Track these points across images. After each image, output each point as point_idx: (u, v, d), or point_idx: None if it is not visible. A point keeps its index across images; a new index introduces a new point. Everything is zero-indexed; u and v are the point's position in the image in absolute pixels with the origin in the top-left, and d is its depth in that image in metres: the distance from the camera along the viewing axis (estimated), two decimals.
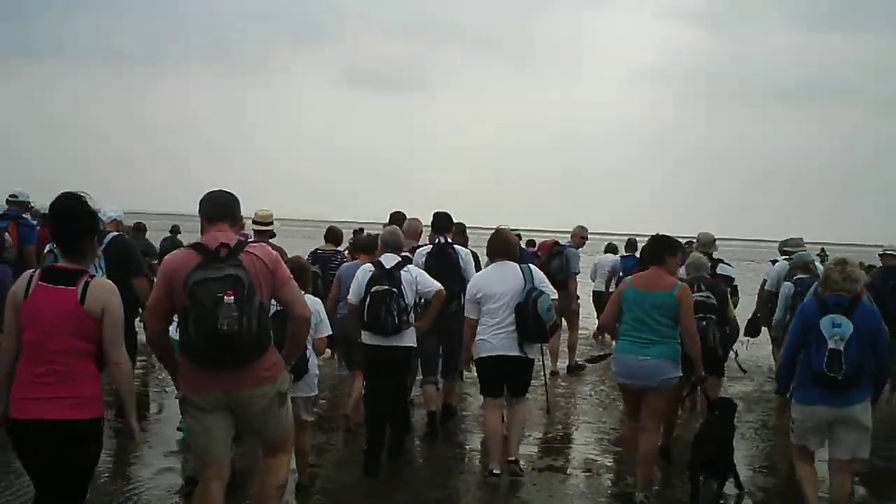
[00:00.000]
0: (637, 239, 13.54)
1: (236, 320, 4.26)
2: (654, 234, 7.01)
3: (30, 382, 4.21)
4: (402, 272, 6.97)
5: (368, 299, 6.83)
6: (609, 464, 7.69)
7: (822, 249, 21.83)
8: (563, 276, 10.98)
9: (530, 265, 7.18)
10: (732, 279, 9.77)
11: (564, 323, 11.84)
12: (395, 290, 6.81)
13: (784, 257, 10.28)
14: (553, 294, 6.97)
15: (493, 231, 7.22)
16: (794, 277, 9.03)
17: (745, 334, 10.57)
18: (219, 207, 4.73)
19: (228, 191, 4.86)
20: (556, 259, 11.25)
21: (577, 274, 11.59)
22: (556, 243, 11.73)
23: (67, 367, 4.20)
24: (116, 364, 4.32)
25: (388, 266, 7.00)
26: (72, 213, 4.32)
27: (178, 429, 7.45)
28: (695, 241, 10.57)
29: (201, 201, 4.75)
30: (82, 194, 4.37)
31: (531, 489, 6.81)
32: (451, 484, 6.96)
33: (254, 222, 8.30)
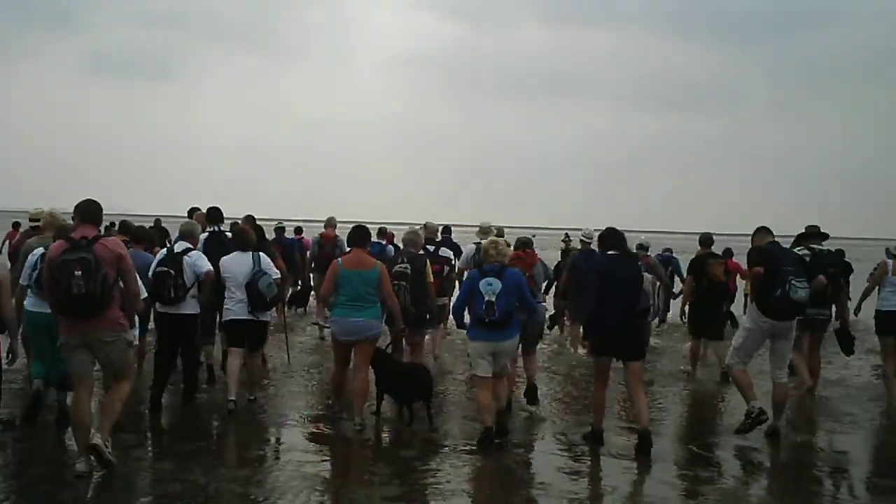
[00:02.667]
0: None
1: (83, 287, 6.57)
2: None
3: None
4: (185, 257, 9.20)
5: (154, 276, 9.09)
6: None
7: (567, 235, 22.47)
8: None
9: (260, 253, 9.52)
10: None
11: None
12: (173, 270, 9.05)
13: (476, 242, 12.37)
14: (276, 275, 9.44)
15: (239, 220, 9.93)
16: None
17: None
18: (89, 214, 7.00)
19: (97, 201, 7.02)
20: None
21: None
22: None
23: None
24: None
25: (176, 251, 9.31)
26: None
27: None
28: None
29: (77, 207, 6.98)
30: None
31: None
32: None
33: (30, 220, 10.72)
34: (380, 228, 16.42)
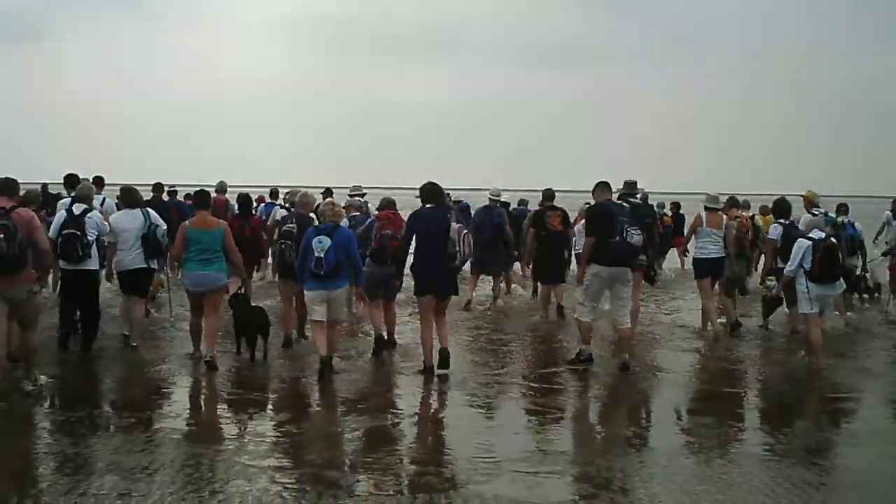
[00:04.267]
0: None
1: (5, 248, 7.63)
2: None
3: None
4: (85, 218, 9.95)
5: (60, 238, 9.76)
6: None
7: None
8: None
9: (147, 209, 10.56)
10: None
11: None
12: (78, 231, 9.78)
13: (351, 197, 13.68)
14: (164, 226, 10.54)
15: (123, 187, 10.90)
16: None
17: None
18: (7, 189, 8.01)
19: (13, 178, 8.12)
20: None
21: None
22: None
23: None
24: None
25: (76, 213, 9.99)
26: None
27: None
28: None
29: None
30: None
31: None
32: None
33: None
34: (271, 190, 19.22)
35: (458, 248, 9.11)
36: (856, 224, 13.07)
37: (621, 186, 11.71)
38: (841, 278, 10.18)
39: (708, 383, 9.55)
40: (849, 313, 13.11)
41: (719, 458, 6.73)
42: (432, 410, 8.58)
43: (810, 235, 10.04)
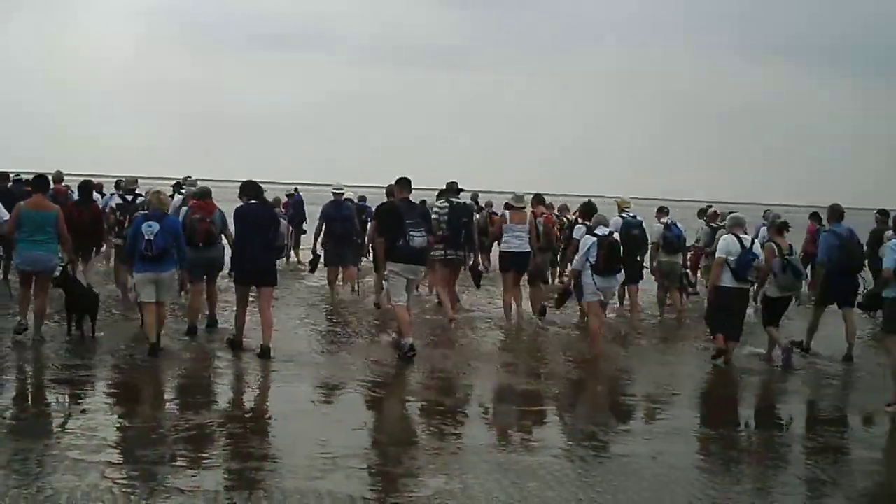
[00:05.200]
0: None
1: None
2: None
3: None
4: None
5: None
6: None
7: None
8: None
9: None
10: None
11: None
12: None
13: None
14: (4, 215, 10.83)
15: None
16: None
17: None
18: None
19: None
20: None
21: None
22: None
23: None
24: None
25: None
26: None
27: None
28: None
29: None
30: None
31: None
32: None
33: None
34: (117, 181, 18.28)
35: (286, 243, 10.01)
36: (679, 224, 14.02)
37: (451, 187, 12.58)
38: (621, 271, 11.31)
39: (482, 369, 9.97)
40: (672, 303, 13.96)
41: (522, 450, 6.92)
42: (268, 403, 8.65)
43: (596, 232, 10.87)
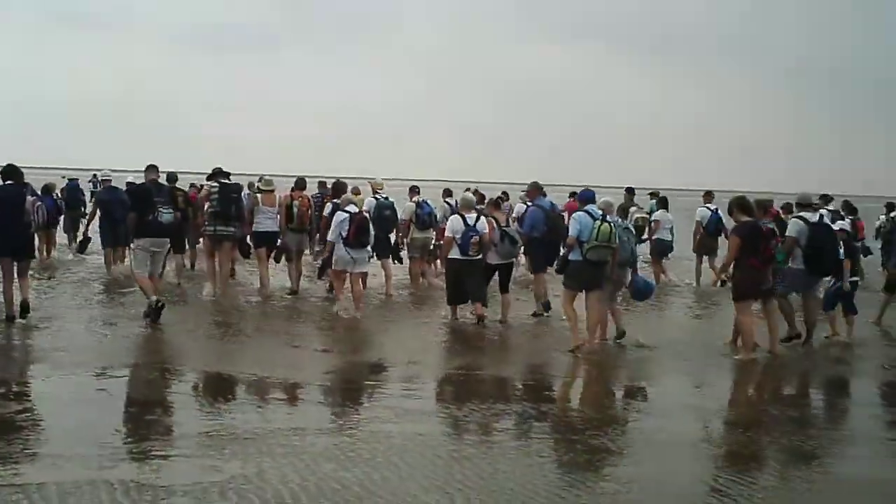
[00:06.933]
0: None
1: None
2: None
3: None
4: None
5: None
6: None
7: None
8: None
9: None
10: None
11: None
12: None
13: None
14: None
15: None
16: None
17: None
18: None
19: None
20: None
21: None
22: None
23: None
24: None
25: None
26: None
27: None
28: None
29: None
30: None
31: None
32: None
33: None
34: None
35: (33, 219, 10.94)
36: (429, 202, 15.81)
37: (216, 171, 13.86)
38: (369, 244, 12.68)
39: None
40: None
41: (318, 432, 6.98)
42: (46, 386, 8.36)
43: (346, 209, 12.38)
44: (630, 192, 18.12)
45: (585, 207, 10.72)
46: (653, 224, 17.67)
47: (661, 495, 6.06)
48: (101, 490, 5.54)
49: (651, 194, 20.30)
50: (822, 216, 11.94)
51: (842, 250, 11.46)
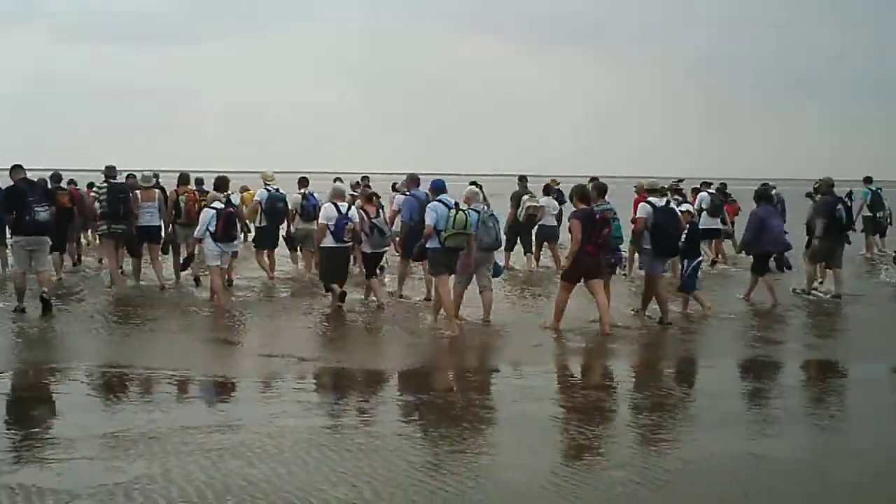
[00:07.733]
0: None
1: None
2: None
3: None
4: None
5: None
6: None
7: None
8: None
9: None
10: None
11: None
12: None
13: None
14: None
15: None
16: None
17: None
18: None
19: None
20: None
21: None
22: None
23: None
24: None
25: None
26: None
27: None
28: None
29: None
30: None
31: None
32: None
33: None
34: None
35: None
36: (315, 195, 15.94)
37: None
38: (240, 237, 13.58)
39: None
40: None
41: (224, 429, 6.93)
42: None
43: (213, 206, 12.82)
44: (523, 179, 18.64)
45: (439, 197, 11.39)
46: (539, 211, 18.19)
47: None
48: (1, 495, 5.44)
49: (546, 186, 19.95)
50: (668, 201, 12.92)
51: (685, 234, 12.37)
